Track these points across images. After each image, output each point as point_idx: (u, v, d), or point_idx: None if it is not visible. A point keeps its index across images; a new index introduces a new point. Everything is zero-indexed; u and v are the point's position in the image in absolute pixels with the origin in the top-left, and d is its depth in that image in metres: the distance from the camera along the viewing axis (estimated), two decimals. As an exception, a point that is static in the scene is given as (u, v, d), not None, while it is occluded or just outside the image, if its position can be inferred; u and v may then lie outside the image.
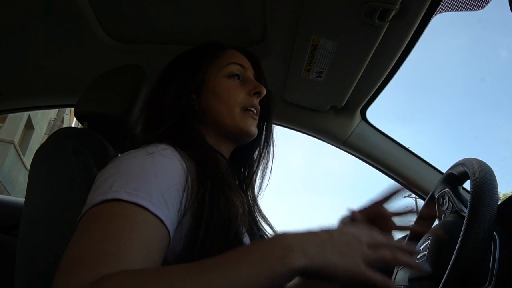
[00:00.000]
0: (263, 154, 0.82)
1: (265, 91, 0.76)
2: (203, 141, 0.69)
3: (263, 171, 0.81)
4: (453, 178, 0.82)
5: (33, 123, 11.53)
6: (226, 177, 0.62)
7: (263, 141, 0.82)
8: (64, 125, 14.31)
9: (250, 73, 0.79)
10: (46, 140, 0.81)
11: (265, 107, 0.79)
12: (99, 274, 0.39)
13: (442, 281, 0.56)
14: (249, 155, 0.82)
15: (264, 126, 0.82)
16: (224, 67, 0.75)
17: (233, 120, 0.71)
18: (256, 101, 0.75)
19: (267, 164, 0.81)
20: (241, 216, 0.59)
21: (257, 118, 0.76)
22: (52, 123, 13.14)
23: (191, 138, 0.67)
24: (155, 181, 0.51)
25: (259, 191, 0.81)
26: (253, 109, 0.74)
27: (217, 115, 0.71)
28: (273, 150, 0.82)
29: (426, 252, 0.72)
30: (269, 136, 0.82)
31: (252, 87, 0.75)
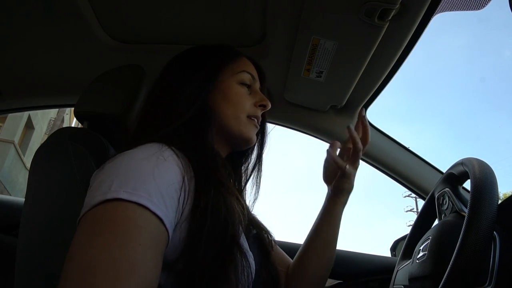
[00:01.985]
0: (256, 163, 0.84)
1: (269, 106, 0.78)
2: (210, 144, 0.69)
3: (257, 179, 0.83)
4: (453, 177, 0.82)
5: (33, 123, 11.54)
6: (230, 184, 0.63)
7: (258, 150, 0.84)
8: (64, 125, 14.32)
9: (257, 84, 0.81)
10: (46, 140, 0.81)
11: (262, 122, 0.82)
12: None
13: (442, 281, 0.56)
14: (245, 159, 0.84)
15: (259, 137, 0.84)
16: (237, 73, 0.76)
17: (238, 125, 0.73)
18: (259, 113, 0.77)
19: (258, 172, 0.83)
20: (240, 221, 0.59)
21: (258, 127, 0.78)
22: (52, 123, 13.15)
23: (199, 140, 0.67)
24: (154, 181, 0.51)
25: (254, 200, 0.81)
26: (256, 119, 0.77)
27: (223, 117, 0.72)
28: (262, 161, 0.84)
29: (426, 252, 0.72)
30: (263, 147, 0.85)
31: (259, 99, 0.78)
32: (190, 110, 0.68)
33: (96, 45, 1.10)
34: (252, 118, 0.76)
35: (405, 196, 19.21)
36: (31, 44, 1.14)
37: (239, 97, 0.74)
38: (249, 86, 0.78)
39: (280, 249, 0.87)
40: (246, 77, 0.77)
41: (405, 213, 19.44)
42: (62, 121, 13.60)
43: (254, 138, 0.77)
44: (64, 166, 0.73)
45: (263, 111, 0.79)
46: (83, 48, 1.13)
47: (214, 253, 0.53)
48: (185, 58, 0.79)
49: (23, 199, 0.79)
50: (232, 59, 0.78)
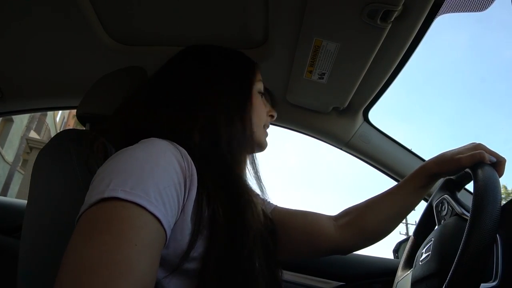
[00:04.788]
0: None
1: (276, 117, 0.83)
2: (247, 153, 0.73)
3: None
4: (452, 183, 0.82)
5: (12, 116, 11.36)
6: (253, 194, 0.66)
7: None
8: (47, 118, 14.18)
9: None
10: (48, 142, 0.81)
11: None
12: None
13: (446, 281, 0.56)
14: None
15: None
16: (257, 81, 0.79)
17: (260, 133, 0.77)
18: (269, 122, 0.82)
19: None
20: (255, 235, 0.61)
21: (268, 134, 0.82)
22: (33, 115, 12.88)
23: (239, 149, 0.69)
24: (153, 179, 0.50)
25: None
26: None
27: (252, 126, 0.74)
28: None
29: (430, 253, 0.72)
30: None
31: (269, 108, 0.82)
32: (233, 121, 0.69)
33: (98, 47, 1.10)
34: (265, 126, 0.80)
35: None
36: (33, 46, 1.14)
37: (261, 107, 0.78)
38: (262, 96, 0.80)
39: (298, 211, 0.88)
40: (262, 87, 0.80)
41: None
42: (45, 114, 13.37)
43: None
44: (66, 168, 0.73)
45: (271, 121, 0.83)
46: (85, 50, 1.13)
47: (229, 266, 0.55)
48: (214, 62, 0.77)
49: (25, 201, 0.80)
50: (257, 69, 0.80)
